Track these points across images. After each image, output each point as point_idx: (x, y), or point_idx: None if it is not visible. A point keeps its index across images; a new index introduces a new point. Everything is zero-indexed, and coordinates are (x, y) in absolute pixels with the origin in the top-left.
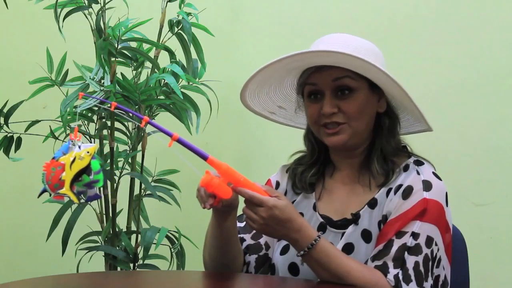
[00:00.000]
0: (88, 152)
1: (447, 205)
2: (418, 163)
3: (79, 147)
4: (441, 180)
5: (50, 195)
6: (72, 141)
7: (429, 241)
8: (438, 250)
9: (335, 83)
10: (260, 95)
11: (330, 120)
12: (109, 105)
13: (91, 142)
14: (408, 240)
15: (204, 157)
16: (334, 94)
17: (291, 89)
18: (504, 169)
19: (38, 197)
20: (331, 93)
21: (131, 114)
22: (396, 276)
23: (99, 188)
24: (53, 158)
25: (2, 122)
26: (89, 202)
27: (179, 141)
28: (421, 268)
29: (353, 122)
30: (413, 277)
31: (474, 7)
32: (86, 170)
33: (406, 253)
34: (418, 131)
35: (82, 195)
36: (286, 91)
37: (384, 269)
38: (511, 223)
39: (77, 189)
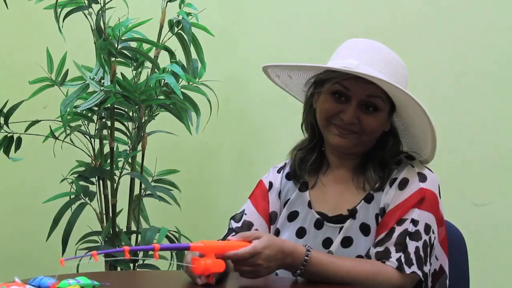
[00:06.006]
0: None
1: (440, 197)
2: (409, 157)
3: None
4: (433, 172)
5: None
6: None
7: (427, 228)
8: (434, 238)
9: (367, 98)
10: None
11: (345, 126)
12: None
13: (91, 143)
14: (408, 226)
15: (187, 248)
16: (359, 106)
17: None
18: (504, 169)
19: None
20: (357, 104)
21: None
22: (398, 259)
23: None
24: None
25: (2, 122)
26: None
27: (162, 248)
28: (421, 253)
29: (365, 136)
30: (414, 261)
31: (477, 7)
32: None
33: (407, 238)
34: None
35: None
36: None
37: (386, 255)
38: (511, 223)
39: None
